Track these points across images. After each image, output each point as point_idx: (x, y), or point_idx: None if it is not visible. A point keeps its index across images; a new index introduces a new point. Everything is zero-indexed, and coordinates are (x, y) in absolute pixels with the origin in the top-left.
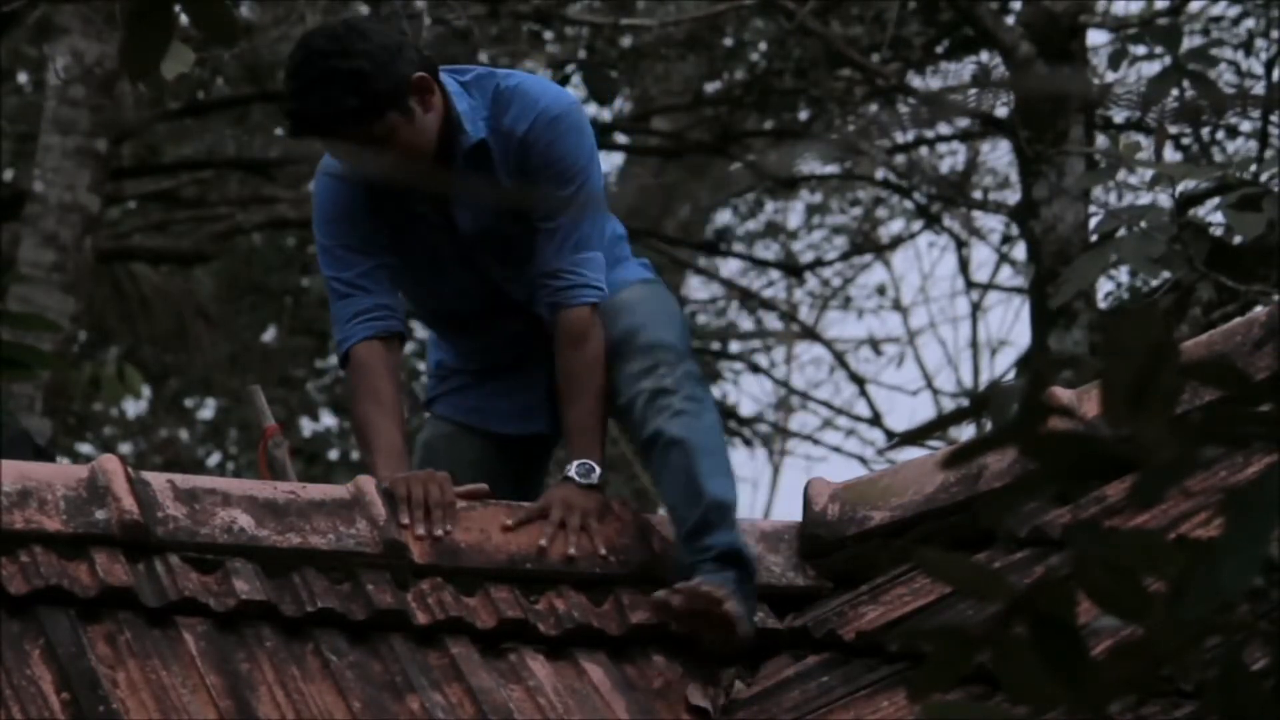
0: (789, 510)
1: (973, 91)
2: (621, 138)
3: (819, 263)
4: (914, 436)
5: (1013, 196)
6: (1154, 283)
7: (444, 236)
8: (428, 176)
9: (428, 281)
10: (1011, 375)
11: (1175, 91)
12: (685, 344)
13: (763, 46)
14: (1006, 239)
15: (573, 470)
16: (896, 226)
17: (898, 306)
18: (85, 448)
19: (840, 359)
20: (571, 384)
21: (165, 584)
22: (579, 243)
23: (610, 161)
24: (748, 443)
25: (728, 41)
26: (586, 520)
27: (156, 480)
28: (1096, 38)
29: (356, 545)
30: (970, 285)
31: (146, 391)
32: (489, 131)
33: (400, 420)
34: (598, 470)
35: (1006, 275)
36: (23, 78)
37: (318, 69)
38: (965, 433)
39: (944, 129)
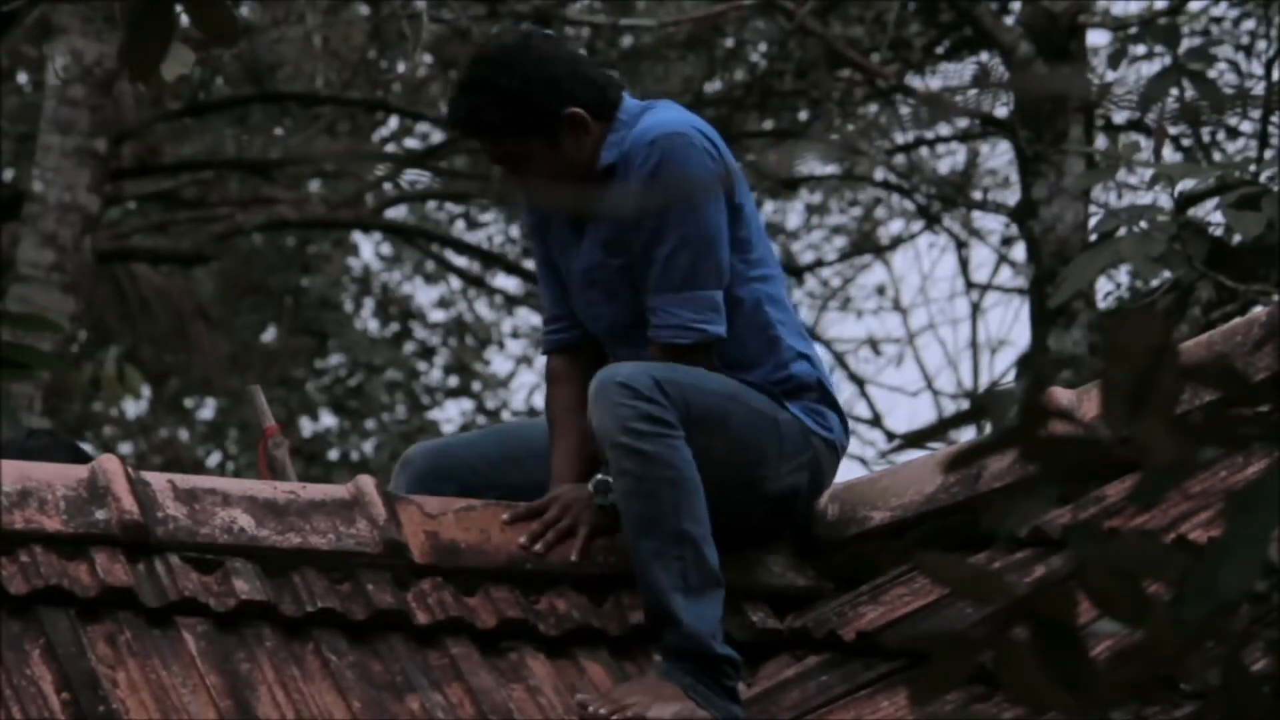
0: None
1: (973, 91)
2: None
3: (819, 263)
4: (916, 439)
5: (1013, 196)
6: (1154, 283)
7: (576, 262)
8: (556, 195)
9: (578, 303)
10: (1011, 376)
11: (1175, 91)
12: (671, 386)
13: (763, 47)
14: (1006, 239)
15: (593, 482)
16: (896, 226)
17: (897, 307)
18: (85, 448)
19: (840, 359)
20: None
21: (165, 584)
22: (682, 280)
23: None
24: None
25: (728, 42)
26: (577, 527)
27: (156, 480)
28: (1096, 38)
29: (356, 545)
30: (970, 285)
31: (146, 391)
32: (617, 157)
33: (568, 431)
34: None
35: (1006, 275)
36: (22, 78)
37: (476, 75)
38: (966, 434)
39: (944, 129)
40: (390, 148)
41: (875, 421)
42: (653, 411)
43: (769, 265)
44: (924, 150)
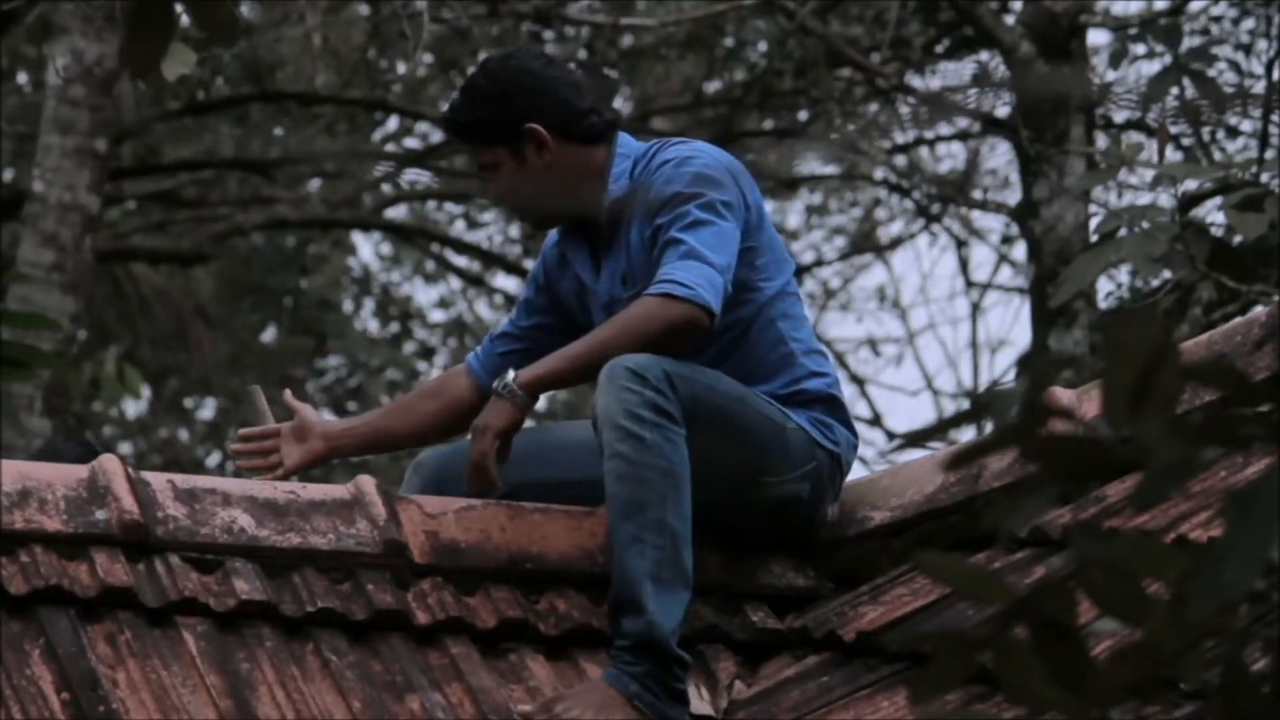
0: None
1: (973, 91)
2: None
3: (819, 263)
4: (916, 439)
5: (1013, 196)
6: (1155, 283)
7: (590, 300)
8: (569, 216)
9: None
10: (1011, 376)
11: (1175, 91)
12: (681, 380)
13: (763, 46)
14: (1006, 239)
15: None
16: (896, 227)
17: (897, 307)
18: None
19: (840, 359)
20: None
21: (165, 584)
22: (687, 252)
23: None
24: None
25: (728, 41)
26: (502, 450)
27: (156, 480)
28: (1096, 37)
29: (356, 545)
30: (970, 285)
31: (146, 391)
32: (629, 188)
33: (397, 416)
34: (513, 377)
35: (1006, 275)
36: (23, 78)
37: (469, 78)
38: (966, 434)
39: (944, 129)
40: (390, 148)
41: (875, 421)
42: (658, 401)
43: (783, 277)
44: (924, 150)
